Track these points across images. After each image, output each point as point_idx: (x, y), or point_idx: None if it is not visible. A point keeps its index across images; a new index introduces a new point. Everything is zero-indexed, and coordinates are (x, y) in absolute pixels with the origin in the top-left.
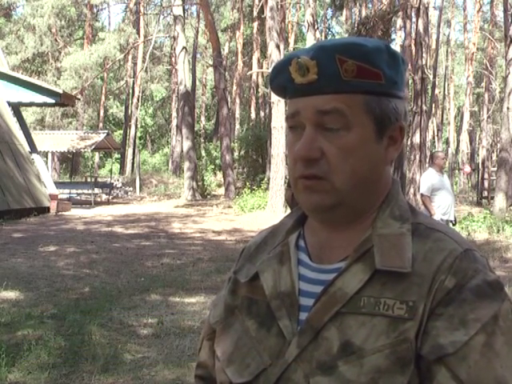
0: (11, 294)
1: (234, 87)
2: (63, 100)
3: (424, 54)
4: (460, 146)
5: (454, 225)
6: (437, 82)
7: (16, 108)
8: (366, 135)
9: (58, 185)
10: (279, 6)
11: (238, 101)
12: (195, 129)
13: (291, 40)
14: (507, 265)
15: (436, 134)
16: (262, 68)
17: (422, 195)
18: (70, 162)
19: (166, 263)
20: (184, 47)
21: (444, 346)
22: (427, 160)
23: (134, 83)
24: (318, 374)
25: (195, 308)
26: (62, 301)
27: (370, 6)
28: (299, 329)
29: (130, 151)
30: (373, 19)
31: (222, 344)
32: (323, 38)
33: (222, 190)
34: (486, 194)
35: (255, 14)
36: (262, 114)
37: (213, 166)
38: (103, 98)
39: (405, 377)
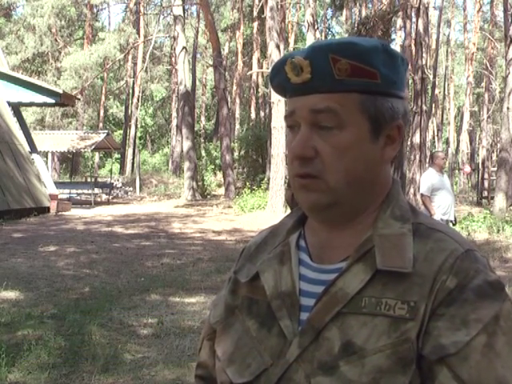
0: (11, 294)
1: (234, 87)
2: (63, 100)
3: (424, 54)
4: (460, 146)
5: (454, 225)
6: (437, 82)
7: (16, 108)
8: (360, 134)
9: (58, 185)
10: (279, 6)
11: (237, 101)
12: (195, 129)
13: (291, 40)
14: (507, 265)
15: (436, 133)
16: (262, 68)
17: (422, 195)
18: (70, 162)
19: (165, 263)
20: (184, 47)
21: (446, 346)
22: (427, 160)
23: (133, 83)
24: (319, 374)
25: (195, 308)
26: (62, 301)
27: (370, 5)
28: (300, 329)
29: (130, 151)
30: (373, 19)
31: (223, 344)
32: (323, 38)
33: (222, 190)
34: (486, 194)
35: (255, 13)
36: (262, 113)
37: (213, 166)
38: (103, 97)
39: (406, 377)
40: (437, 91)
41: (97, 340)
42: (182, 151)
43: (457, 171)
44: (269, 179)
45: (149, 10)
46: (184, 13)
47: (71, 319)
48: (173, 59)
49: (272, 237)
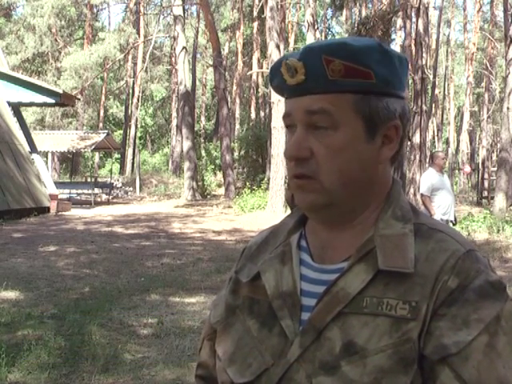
0: (11, 294)
1: (234, 87)
2: (63, 100)
3: (424, 54)
4: (460, 146)
5: (454, 225)
6: (437, 82)
7: (16, 108)
8: (355, 134)
9: (58, 185)
10: (279, 6)
11: (237, 101)
12: (195, 129)
13: (291, 40)
14: (507, 265)
15: (436, 133)
16: (262, 68)
17: (422, 195)
18: (70, 162)
19: (166, 263)
20: (184, 47)
21: (447, 346)
22: (427, 160)
23: (134, 83)
24: (320, 374)
25: (195, 308)
26: (62, 301)
27: (370, 5)
28: (301, 329)
29: (130, 151)
30: (373, 19)
31: (223, 344)
32: (323, 38)
33: (222, 190)
34: (486, 194)
35: (255, 13)
36: (262, 113)
37: (213, 166)
38: (103, 97)
39: (408, 377)
40: (437, 91)
41: (97, 340)
42: (182, 151)
43: (457, 171)
44: (269, 179)
45: (149, 9)
46: (184, 13)
47: (71, 319)
48: (173, 59)
49: (273, 237)
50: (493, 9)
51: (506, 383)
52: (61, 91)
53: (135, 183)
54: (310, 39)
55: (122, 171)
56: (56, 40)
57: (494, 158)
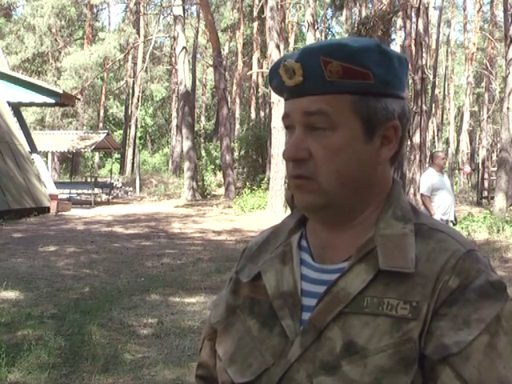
0: (11, 294)
1: (234, 87)
2: (63, 100)
3: (424, 54)
4: (460, 146)
5: (454, 224)
6: (437, 82)
7: (16, 108)
8: (353, 135)
9: (58, 185)
10: (279, 6)
11: (237, 101)
12: (195, 129)
13: (291, 40)
14: (507, 265)
15: (436, 133)
16: (262, 68)
17: (421, 195)
18: (70, 162)
19: (166, 263)
20: (184, 47)
21: (448, 346)
22: (427, 160)
23: (133, 83)
24: (321, 374)
25: (195, 308)
26: (62, 301)
27: (370, 5)
28: (302, 329)
29: (130, 151)
30: (373, 19)
31: (224, 344)
32: (323, 38)
33: (222, 190)
34: (486, 193)
35: (255, 13)
36: (262, 113)
37: (213, 166)
38: (103, 97)
39: (408, 377)
40: (437, 91)
41: (97, 340)
42: (182, 151)
43: (457, 171)
44: (269, 179)
45: (149, 9)
46: (184, 13)
47: (71, 319)
48: (173, 59)
49: (274, 237)
50: (493, 9)
51: (506, 383)
52: (61, 91)
53: (135, 183)
54: (310, 39)
55: (122, 171)
56: (56, 40)
57: (494, 157)
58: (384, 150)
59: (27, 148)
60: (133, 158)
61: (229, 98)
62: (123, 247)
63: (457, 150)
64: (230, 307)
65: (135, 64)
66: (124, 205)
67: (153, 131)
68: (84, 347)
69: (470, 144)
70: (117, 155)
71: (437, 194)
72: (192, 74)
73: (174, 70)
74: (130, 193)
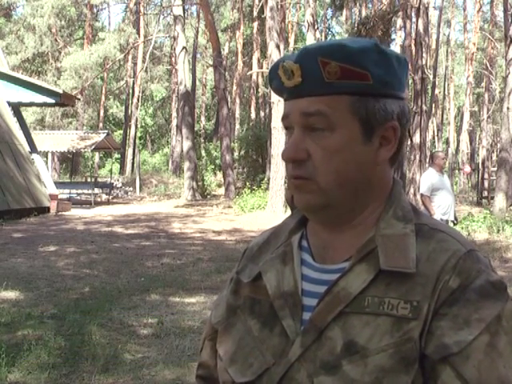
0: (11, 294)
1: (234, 87)
2: (63, 100)
3: (424, 54)
4: (460, 146)
5: (455, 224)
6: (437, 82)
7: (16, 108)
8: (351, 136)
9: (58, 185)
10: (279, 6)
11: (237, 101)
12: (195, 129)
13: (291, 40)
14: (507, 265)
15: (436, 133)
16: (262, 68)
17: (421, 195)
18: (70, 162)
19: (166, 263)
20: (184, 47)
21: (449, 346)
22: (427, 160)
23: (133, 83)
24: (321, 374)
25: (195, 308)
26: (62, 301)
27: (370, 5)
28: (303, 328)
29: (130, 151)
30: (373, 19)
31: (225, 344)
32: (323, 38)
33: (222, 190)
34: (486, 193)
35: (255, 14)
36: (262, 114)
37: (213, 166)
38: (103, 97)
39: (409, 376)
40: (437, 91)
41: (97, 340)
42: (182, 151)
43: (457, 171)
44: (269, 179)
45: (149, 9)
46: (184, 13)
47: (71, 319)
48: (173, 59)
49: (274, 237)
50: (493, 9)
51: (506, 383)
52: (61, 91)
53: (135, 183)
54: (310, 39)
55: (122, 171)
56: (56, 40)
57: (494, 157)
58: (383, 151)
59: (27, 148)
60: (133, 158)
61: (229, 98)
62: (123, 247)
63: (457, 150)
64: (231, 307)
65: (135, 64)
66: (124, 205)
67: (153, 131)
68: (84, 347)
69: (470, 144)
70: (117, 155)
71: (437, 194)
72: (192, 74)
73: (174, 70)
74: (130, 193)
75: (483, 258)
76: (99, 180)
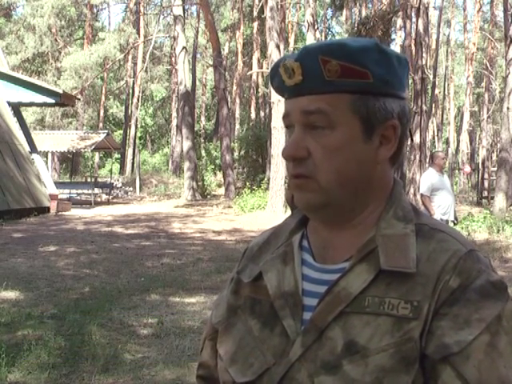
0: (11, 294)
1: (234, 87)
2: (63, 100)
3: (424, 54)
4: (460, 146)
5: (455, 224)
6: (437, 82)
7: (16, 108)
8: (352, 134)
9: (58, 185)
10: (279, 6)
11: (237, 101)
12: (195, 129)
13: (291, 40)
14: (507, 265)
15: (436, 133)
16: (262, 68)
17: (421, 195)
18: (70, 162)
19: (166, 263)
20: (184, 47)
21: (449, 346)
22: (427, 160)
23: (133, 83)
24: (322, 374)
25: (195, 308)
26: (62, 301)
27: (370, 5)
28: (303, 328)
29: (130, 151)
30: (373, 19)
31: (225, 344)
32: (323, 38)
33: (222, 190)
34: (486, 193)
35: (255, 14)
36: (262, 113)
37: (213, 166)
38: (103, 97)
39: (409, 376)
40: (437, 91)
41: (97, 340)
42: (182, 151)
43: (457, 171)
44: (269, 179)
45: (149, 9)
46: (184, 13)
47: (71, 319)
48: (173, 59)
49: (275, 237)
50: (493, 9)
51: (507, 382)
52: (61, 91)
53: (135, 183)
54: (310, 39)
55: (122, 171)
56: (56, 40)
57: (494, 157)
58: (383, 150)
59: (27, 148)
60: (133, 158)
61: (229, 98)
62: (123, 247)
63: (457, 150)
64: (231, 307)
65: (135, 64)
66: (124, 205)
67: (153, 131)
68: (84, 347)
69: (470, 144)
70: (117, 155)
71: (437, 193)
72: (192, 74)
73: (174, 70)
74: (130, 193)
75: (483, 258)
76: (99, 180)
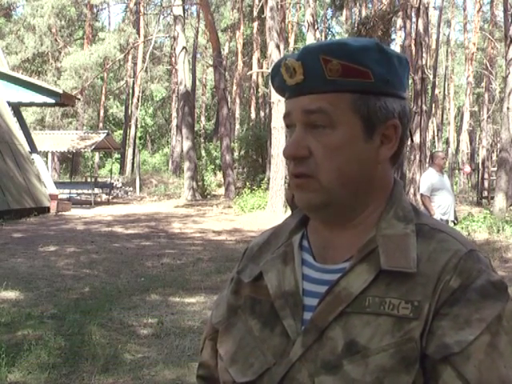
0: (11, 294)
1: (234, 87)
2: (63, 100)
3: (424, 54)
4: (460, 146)
5: (455, 224)
6: (437, 82)
7: (16, 108)
8: (353, 134)
9: (58, 185)
10: (279, 6)
11: (237, 101)
12: (195, 129)
13: (291, 40)
14: (507, 265)
15: (436, 133)
16: (262, 68)
17: (421, 195)
18: (70, 162)
19: (166, 263)
20: (184, 47)
21: (450, 346)
22: (427, 160)
23: (133, 83)
24: (322, 374)
25: (195, 308)
26: (62, 301)
27: (370, 5)
28: (304, 328)
29: (130, 151)
30: (373, 19)
31: (225, 344)
32: (323, 38)
33: (222, 190)
34: (486, 193)
35: (255, 13)
36: (262, 113)
37: (213, 166)
38: (103, 97)
39: (410, 376)
40: (437, 91)
41: (97, 340)
42: (182, 151)
43: (457, 171)
44: (269, 179)
45: (149, 9)
46: (184, 13)
47: (71, 319)
48: (173, 59)
49: (275, 237)
50: (493, 9)
51: (507, 382)
52: (61, 91)
53: (135, 183)
54: (310, 39)
55: (122, 171)
56: (56, 40)
57: (494, 157)
58: (384, 149)
59: (27, 148)
60: (133, 158)
61: (229, 98)
62: (123, 247)
63: (457, 150)
64: (232, 307)
65: (135, 64)
66: (124, 205)
67: (153, 131)
68: (84, 347)
69: (470, 144)
70: (117, 155)
71: (437, 194)
72: (192, 74)
73: (174, 70)
74: (130, 193)
75: (484, 258)
76: (99, 180)
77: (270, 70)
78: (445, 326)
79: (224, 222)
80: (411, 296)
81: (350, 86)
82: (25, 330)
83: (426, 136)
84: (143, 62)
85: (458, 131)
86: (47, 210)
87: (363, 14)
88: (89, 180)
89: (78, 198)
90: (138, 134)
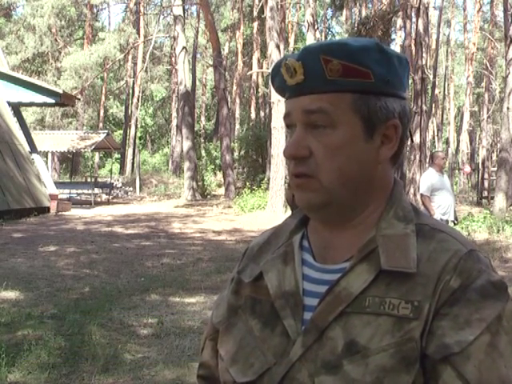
0: (11, 294)
1: (234, 87)
2: (63, 100)
3: (424, 54)
4: (460, 146)
5: (455, 224)
6: (437, 82)
7: (16, 108)
8: (353, 134)
9: (58, 185)
10: (279, 6)
11: (238, 101)
12: (195, 129)
13: (291, 40)
14: (507, 265)
15: (436, 133)
16: (262, 68)
17: (421, 195)
18: (70, 162)
19: (166, 263)
20: (184, 47)
21: (450, 346)
22: (427, 160)
23: (133, 83)
24: (322, 374)
25: (195, 308)
26: (62, 301)
27: (370, 5)
28: (304, 328)
29: (130, 151)
30: (373, 19)
31: (226, 344)
32: (323, 38)
33: (222, 190)
34: (486, 194)
35: (255, 13)
36: (262, 113)
37: (213, 166)
38: (103, 97)
39: (410, 376)
40: (437, 91)
41: (97, 340)
42: (182, 151)
43: (457, 171)
44: (269, 179)
45: (149, 9)
46: (184, 13)
47: (71, 319)
48: (173, 59)
49: (275, 237)
50: (493, 9)
51: (507, 382)
52: (61, 91)
53: (135, 183)
54: (310, 39)
55: (122, 171)
56: (56, 40)
57: (494, 157)
58: (384, 149)
59: (27, 148)
60: (133, 158)
61: (229, 98)
62: (123, 247)
63: (457, 150)
64: (232, 307)
65: (135, 64)
66: (124, 205)
67: (153, 131)
68: (84, 347)
69: (470, 144)
70: (117, 155)
71: (437, 194)
72: (192, 74)
73: (174, 70)
74: (130, 193)
75: (484, 258)
76: (99, 180)
77: (270, 70)
78: (445, 326)
79: (224, 222)
80: (411, 296)
81: (350, 86)
82: (25, 329)
83: (426, 136)
84: (143, 62)
85: (458, 131)
86: (47, 210)
87: (363, 14)
88: (89, 180)
89: (78, 198)
90: (138, 134)
